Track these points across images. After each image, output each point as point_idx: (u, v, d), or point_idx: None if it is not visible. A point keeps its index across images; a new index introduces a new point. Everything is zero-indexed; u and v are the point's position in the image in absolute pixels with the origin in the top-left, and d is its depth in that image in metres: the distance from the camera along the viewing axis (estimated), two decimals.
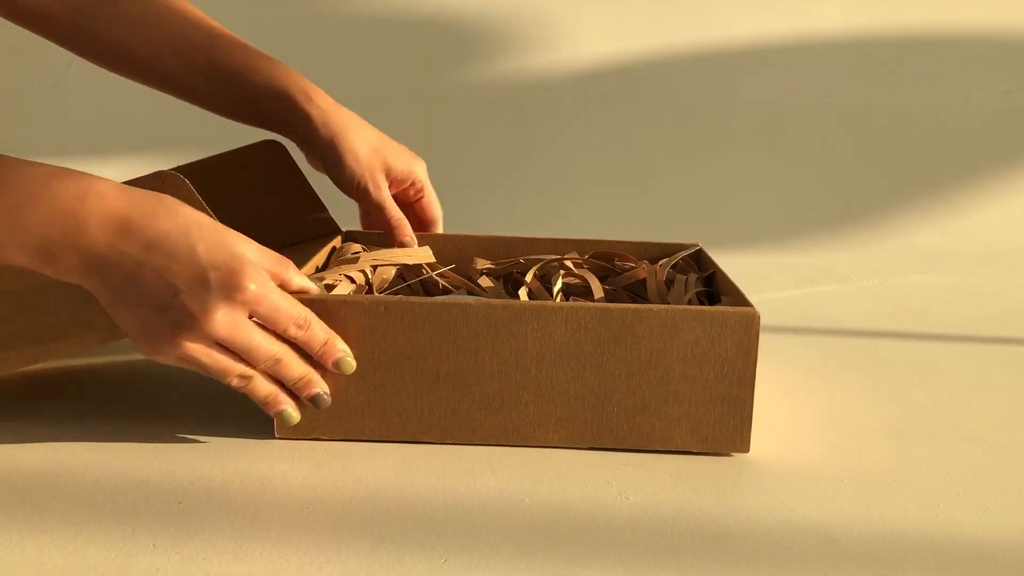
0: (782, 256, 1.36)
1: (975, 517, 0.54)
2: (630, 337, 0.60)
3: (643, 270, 0.76)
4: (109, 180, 0.54)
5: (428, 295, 0.78)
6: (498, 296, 0.77)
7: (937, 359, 0.87)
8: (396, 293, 0.77)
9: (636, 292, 0.76)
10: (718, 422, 0.61)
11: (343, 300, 0.60)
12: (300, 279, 0.59)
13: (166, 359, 0.54)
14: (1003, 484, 0.59)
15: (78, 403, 0.68)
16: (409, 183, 0.80)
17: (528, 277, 0.76)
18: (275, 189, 0.83)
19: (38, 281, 0.60)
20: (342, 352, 0.59)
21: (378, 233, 0.84)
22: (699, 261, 0.82)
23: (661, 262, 0.79)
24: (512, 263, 0.81)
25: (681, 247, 0.83)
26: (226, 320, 0.53)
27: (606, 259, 0.81)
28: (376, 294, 0.74)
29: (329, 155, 0.74)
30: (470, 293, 0.78)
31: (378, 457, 0.60)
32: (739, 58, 1.65)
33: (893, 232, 1.49)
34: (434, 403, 0.61)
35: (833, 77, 1.65)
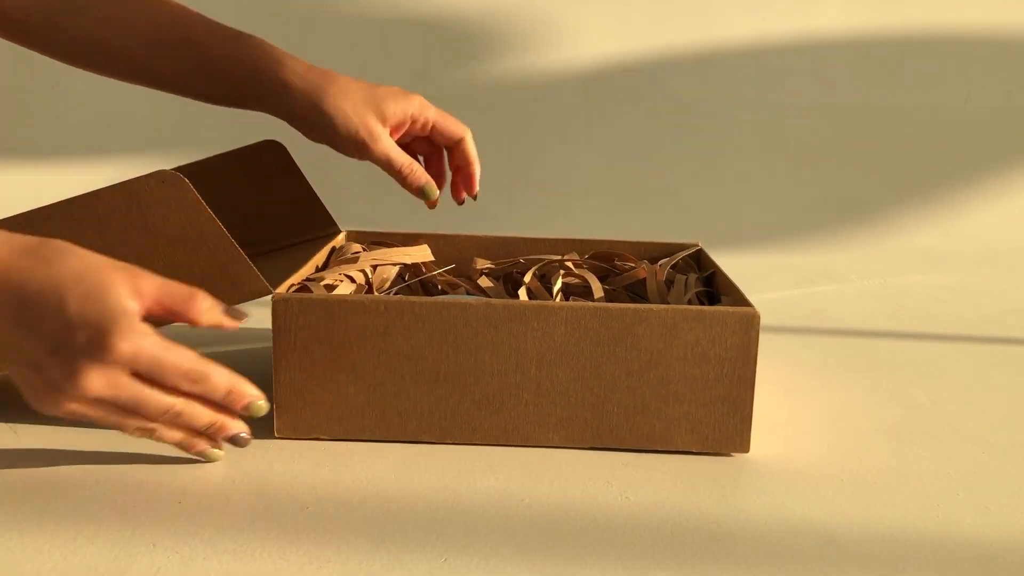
0: (782, 256, 1.36)
1: (975, 517, 0.54)
2: (630, 337, 0.60)
3: (643, 270, 0.76)
4: None
5: (428, 295, 0.78)
6: (498, 296, 0.77)
7: (937, 359, 0.87)
8: (396, 293, 0.77)
9: (636, 292, 0.76)
10: (718, 422, 0.61)
11: (343, 300, 0.60)
12: (211, 315, 0.53)
13: (54, 413, 0.52)
14: (1003, 484, 0.59)
15: None
16: (410, 121, 0.73)
17: (528, 277, 0.76)
18: (275, 189, 0.83)
19: None
20: (250, 397, 0.54)
21: (378, 233, 0.84)
22: (699, 261, 0.82)
23: (661, 262, 0.79)
24: (512, 263, 0.81)
25: (681, 247, 0.83)
26: (100, 380, 0.49)
27: (606, 259, 0.81)
28: (376, 294, 0.74)
29: (316, 120, 0.70)
30: (469, 293, 0.78)
31: (378, 457, 0.60)
32: (739, 58, 1.65)
33: (893, 232, 1.49)
34: (434, 403, 0.61)
35: (833, 77, 1.65)
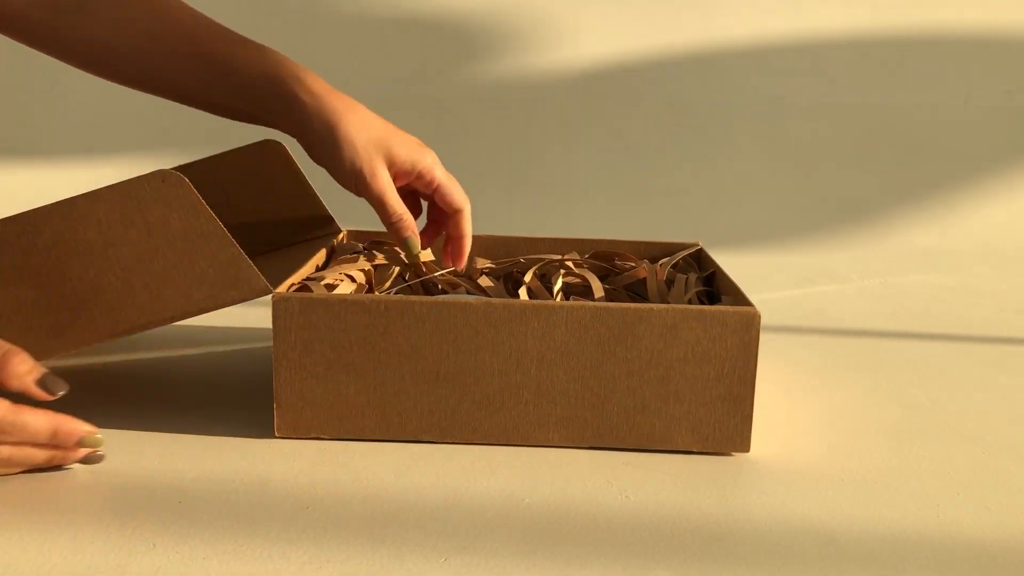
0: (782, 256, 1.36)
1: (975, 517, 0.54)
2: (630, 337, 0.60)
3: (643, 270, 0.76)
4: None
5: (428, 295, 0.78)
6: (498, 296, 0.77)
7: (937, 359, 0.87)
8: (396, 293, 0.77)
9: (636, 292, 0.76)
10: (718, 422, 0.61)
11: (343, 299, 0.60)
12: (23, 381, 0.54)
13: None
14: (1003, 484, 0.59)
15: (77, 402, 0.68)
16: (416, 175, 0.71)
17: (528, 277, 0.76)
18: (275, 188, 0.83)
19: (38, 280, 0.60)
20: (80, 433, 0.55)
21: (378, 232, 0.84)
22: (699, 261, 0.82)
23: (661, 262, 0.79)
24: (512, 263, 0.81)
25: (681, 246, 0.83)
26: None
27: (606, 259, 0.81)
28: (376, 293, 0.74)
29: (325, 143, 0.68)
30: (470, 293, 0.78)
31: (378, 456, 0.60)
32: (739, 58, 1.65)
33: (893, 232, 1.49)
34: (434, 402, 0.61)
35: (833, 77, 1.65)
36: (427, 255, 0.80)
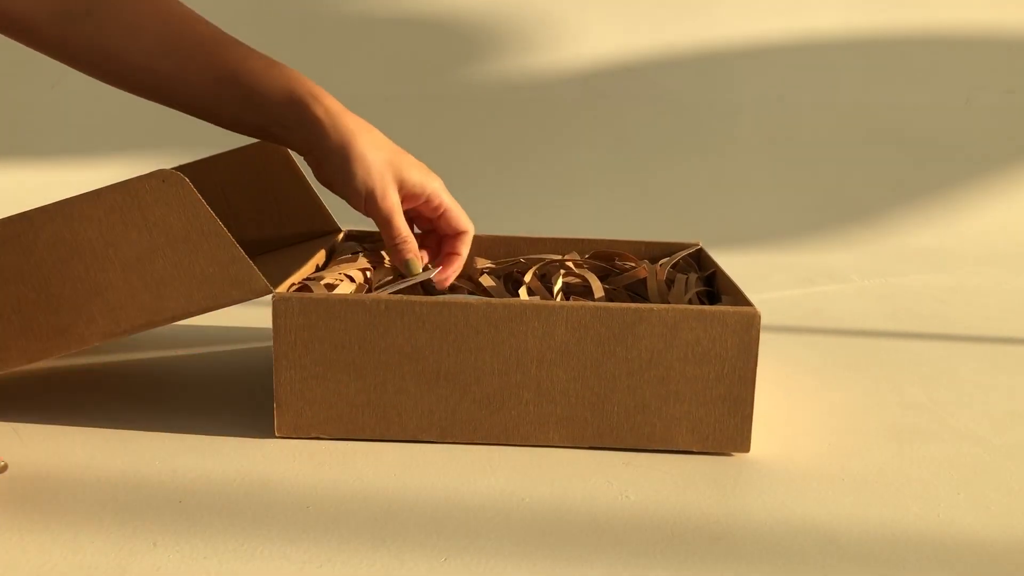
0: (783, 256, 1.36)
1: (976, 517, 0.54)
2: (630, 336, 0.60)
3: (643, 269, 0.76)
4: None
5: (428, 294, 0.78)
6: (499, 295, 0.77)
7: (937, 359, 0.87)
8: (397, 292, 0.77)
9: (636, 292, 0.76)
10: (718, 422, 0.61)
11: (344, 299, 0.60)
12: None
13: None
14: (1004, 484, 0.59)
15: (78, 402, 0.68)
16: (424, 199, 0.72)
17: (528, 276, 0.76)
18: (275, 188, 0.83)
19: (38, 280, 0.60)
20: None
21: (379, 232, 0.84)
22: (699, 261, 0.82)
23: (661, 262, 0.79)
24: (512, 262, 0.81)
25: (681, 246, 0.83)
26: None
27: (606, 259, 0.81)
28: (376, 293, 0.74)
29: (338, 160, 0.68)
30: (470, 292, 0.78)
31: (379, 456, 0.60)
32: (739, 58, 1.65)
33: (893, 232, 1.49)
34: (434, 402, 0.61)
35: (833, 77, 1.65)
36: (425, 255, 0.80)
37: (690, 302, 0.70)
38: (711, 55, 1.65)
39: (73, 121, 1.60)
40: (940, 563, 0.49)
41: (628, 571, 0.47)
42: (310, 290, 0.66)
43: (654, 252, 0.82)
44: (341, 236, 0.84)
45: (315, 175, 0.72)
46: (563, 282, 0.75)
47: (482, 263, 0.81)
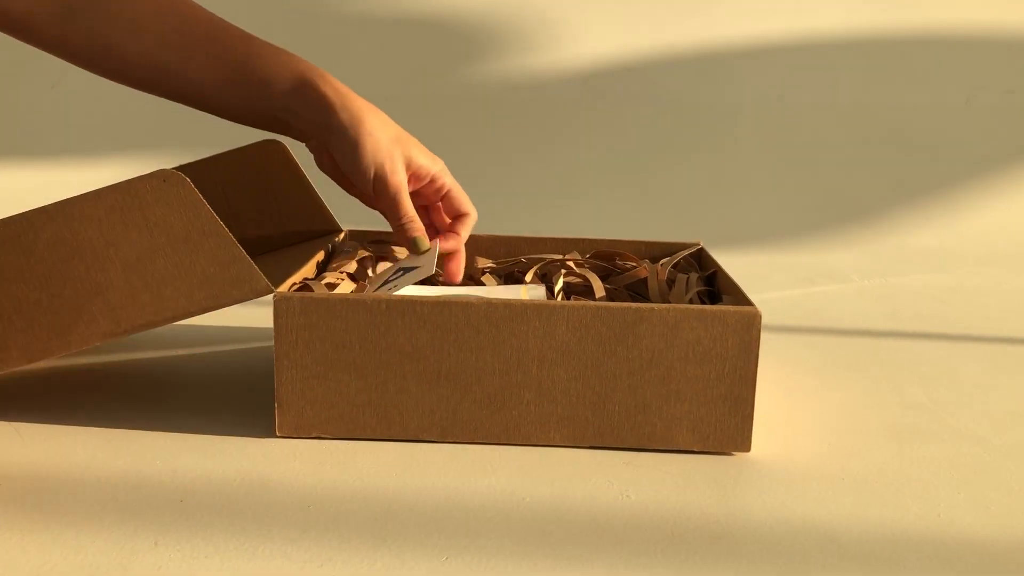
0: (783, 256, 1.36)
1: (976, 516, 0.54)
2: (631, 336, 0.60)
3: (644, 269, 0.76)
4: None
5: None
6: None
7: (937, 359, 0.87)
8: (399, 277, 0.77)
9: (637, 291, 0.76)
10: (719, 421, 0.61)
11: (345, 298, 0.60)
12: None
13: None
14: (1004, 484, 0.59)
15: (79, 401, 0.68)
16: (428, 179, 0.72)
17: (529, 276, 0.76)
18: (276, 188, 0.83)
19: (39, 280, 0.60)
20: None
21: (379, 232, 0.84)
22: (700, 260, 0.82)
23: (662, 261, 0.79)
24: (513, 262, 0.81)
25: (682, 246, 0.83)
26: None
27: (607, 258, 0.81)
28: (378, 292, 0.74)
29: (347, 139, 0.67)
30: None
31: (379, 456, 0.60)
32: (740, 58, 1.65)
33: (894, 232, 1.49)
34: (435, 402, 0.61)
35: (834, 77, 1.65)
36: None
37: (691, 302, 0.70)
38: (711, 55, 1.65)
39: (73, 121, 1.60)
40: (940, 563, 0.49)
41: (629, 570, 0.47)
42: (311, 290, 0.66)
43: (655, 252, 0.82)
44: (342, 236, 0.84)
45: (318, 162, 0.72)
46: (564, 282, 0.75)
47: (483, 263, 0.81)
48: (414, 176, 0.71)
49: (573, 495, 0.55)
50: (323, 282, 0.68)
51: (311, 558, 0.47)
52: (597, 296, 0.72)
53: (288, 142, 0.82)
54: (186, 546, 0.48)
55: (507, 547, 0.49)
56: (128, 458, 0.59)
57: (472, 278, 0.81)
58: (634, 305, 0.60)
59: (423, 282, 0.80)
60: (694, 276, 0.75)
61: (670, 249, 0.82)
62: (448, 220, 0.76)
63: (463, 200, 0.74)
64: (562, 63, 1.64)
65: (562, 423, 0.61)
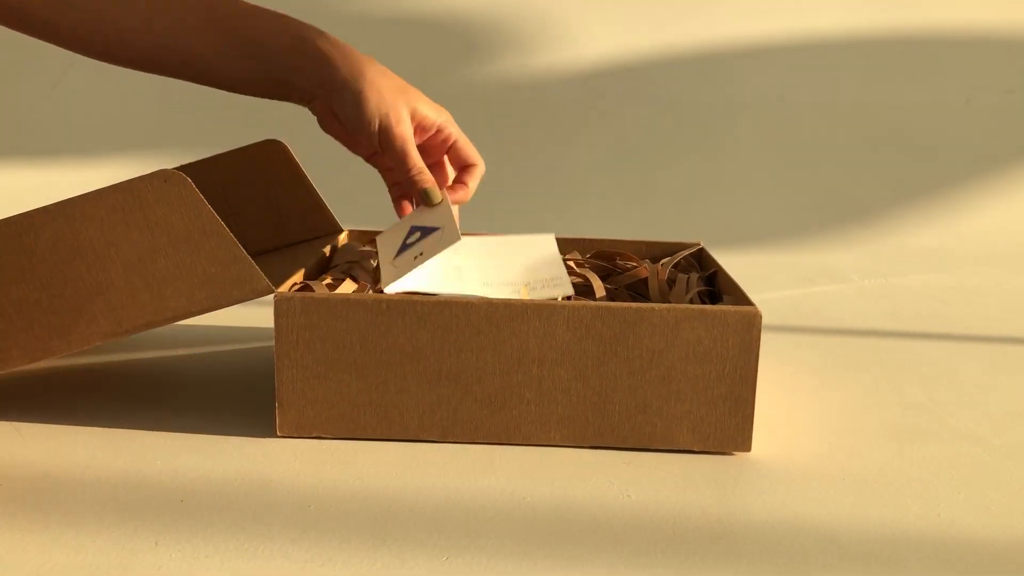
0: (783, 256, 1.36)
1: (976, 516, 0.54)
2: (632, 336, 0.60)
3: (645, 269, 0.76)
4: None
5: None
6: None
7: (938, 359, 0.87)
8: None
9: (638, 291, 0.76)
10: (719, 421, 0.61)
11: (345, 298, 0.60)
12: None
13: None
14: (1004, 483, 0.59)
15: (80, 401, 0.68)
16: (435, 130, 0.70)
17: None
18: (277, 188, 0.83)
19: (40, 280, 0.60)
20: None
21: (380, 232, 0.84)
22: (701, 260, 0.82)
23: (663, 261, 0.79)
24: None
25: (683, 246, 0.83)
26: None
27: (607, 258, 0.81)
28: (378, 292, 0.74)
29: (349, 92, 0.66)
30: None
31: (380, 456, 0.60)
32: (740, 58, 1.65)
33: (894, 232, 1.49)
34: (436, 402, 0.61)
35: (834, 77, 1.65)
36: None
37: (691, 302, 0.70)
38: (711, 55, 1.65)
39: (74, 121, 1.60)
40: (940, 562, 0.49)
41: (629, 570, 0.47)
42: (312, 289, 0.66)
43: (655, 252, 0.82)
44: (343, 236, 0.84)
45: (322, 124, 0.70)
46: None
47: None
48: (419, 127, 0.70)
49: (574, 495, 0.55)
50: (324, 282, 0.68)
51: (312, 558, 0.48)
52: (597, 296, 0.72)
53: (290, 142, 0.82)
54: (187, 546, 0.48)
55: (507, 547, 0.49)
56: (129, 458, 0.59)
57: None
58: (634, 305, 0.60)
59: None
60: (694, 276, 0.75)
61: (670, 249, 0.83)
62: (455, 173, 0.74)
63: (470, 150, 0.72)
64: (562, 63, 1.64)
65: (563, 423, 0.61)
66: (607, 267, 0.80)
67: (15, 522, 0.50)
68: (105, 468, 0.57)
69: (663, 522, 0.53)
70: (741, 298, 0.65)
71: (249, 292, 0.61)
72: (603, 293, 0.72)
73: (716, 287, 0.74)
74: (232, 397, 0.70)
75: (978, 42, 1.64)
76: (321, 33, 0.68)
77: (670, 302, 0.70)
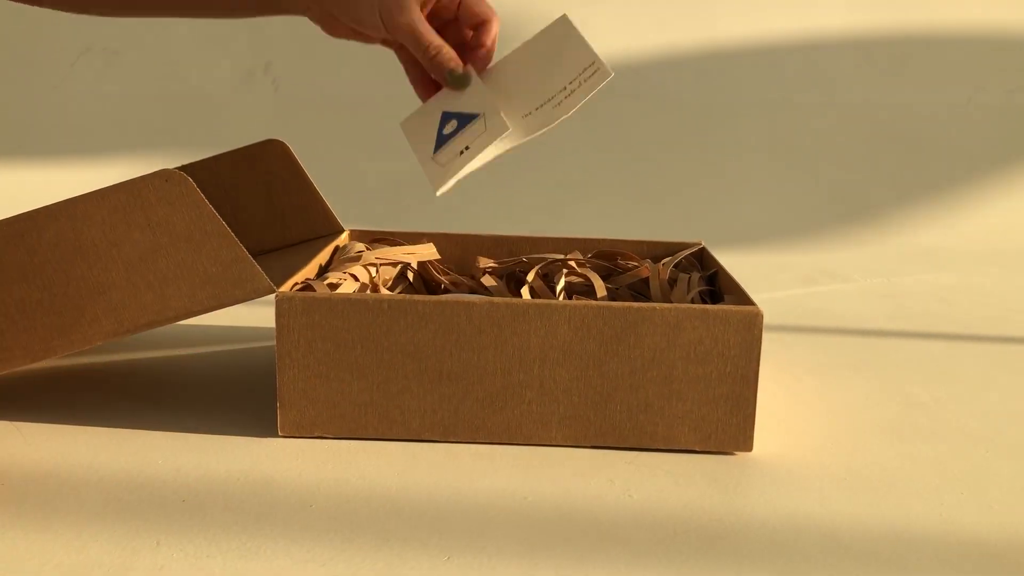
0: (785, 255, 1.36)
1: (978, 515, 0.54)
2: (633, 336, 0.60)
3: (646, 269, 0.76)
4: None
5: (431, 294, 0.78)
6: (501, 295, 0.77)
7: (940, 358, 0.87)
8: (400, 292, 0.77)
9: (639, 291, 0.76)
10: (721, 421, 0.61)
11: (347, 298, 0.60)
12: None
13: None
14: (1006, 483, 0.59)
15: (82, 401, 0.69)
16: None
17: (531, 276, 0.76)
18: (278, 188, 0.83)
19: (42, 280, 0.60)
20: None
21: (381, 232, 0.84)
22: (702, 260, 0.82)
23: (664, 261, 0.79)
24: (515, 262, 0.81)
25: (684, 246, 0.83)
26: None
27: (609, 258, 0.81)
28: (380, 292, 0.74)
29: None
30: (473, 292, 0.79)
31: (381, 455, 0.60)
32: (742, 58, 1.65)
33: (896, 231, 1.49)
34: (437, 401, 0.61)
35: (836, 77, 1.65)
36: (432, 253, 0.80)
37: (692, 301, 0.70)
38: (714, 55, 1.65)
39: (76, 121, 1.60)
40: (942, 561, 0.49)
41: (630, 569, 0.47)
42: (313, 289, 0.66)
43: (656, 251, 0.82)
44: (344, 236, 0.84)
45: (325, 29, 0.66)
46: (566, 281, 0.75)
47: (485, 263, 0.81)
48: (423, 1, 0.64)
49: (575, 494, 0.55)
50: (325, 282, 0.68)
51: (313, 557, 0.48)
52: (599, 296, 0.72)
53: (290, 142, 0.82)
54: (188, 546, 0.48)
55: (509, 546, 0.49)
56: (130, 458, 0.59)
57: (473, 277, 0.81)
58: (636, 305, 0.60)
59: (427, 288, 0.80)
60: (696, 276, 0.75)
61: (672, 249, 0.82)
62: (469, 33, 0.68)
63: (481, 5, 0.66)
64: None
65: (564, 422, 0.61)
66: (608, 267, 0.80)
67: (17, 522, 0.50)
68: (107, 468, 0.57)
69: (664, 521, 0.53)
70: (742, 298, 0.65)
71: (250, 292, 0.61)
72: (604, 293, 0.72)
73: (717, 287, 0.74)
74: (234, 397, 0.70)
75: (980, 42, 1.64)
76: None
77: (671, 302, 0.70)
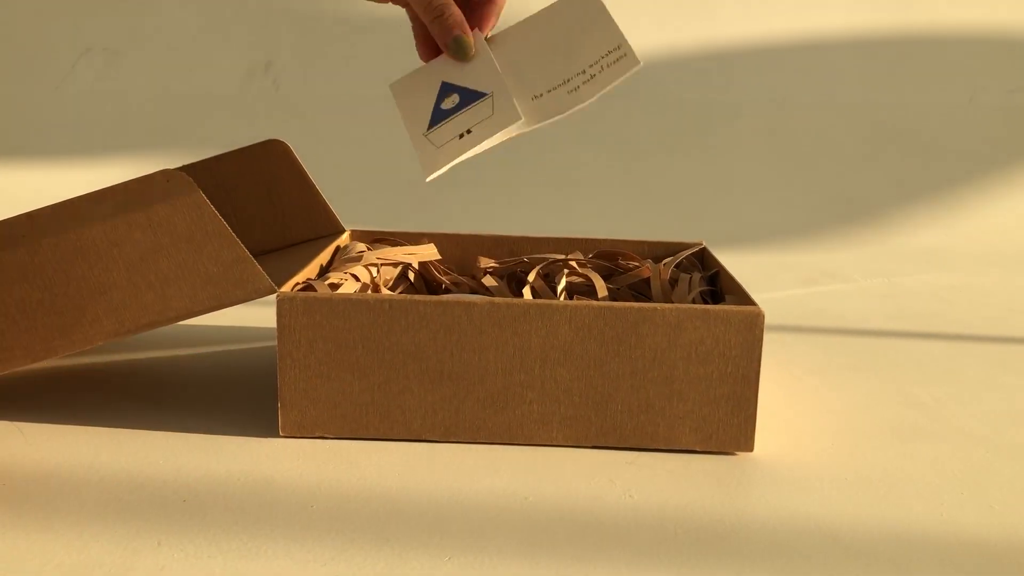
0: (786, 255, 1.36)
1: (979, 516, 0.54)
2: (634, 336, 0.60)
3: (647, 269, 0.76)
4: None
5: (432, 294, 0.78)
6: (502, 295, 0.77)
7: (941, 359, 0.87)
8: (401, 292, 0.77)
9: (640, 291, 0.76)
10: (722, 421, 0.61)
11: (348, 298, 0.60)
12: None
13: None
14: (1007, 483, 0.59)
15: (82, 401, 0.69)
16: None
17: (532, 276, 0.76)
18: (279, 188, 0.83)
19: (43, 280, 0.60)
20: None
21: (382, 232, 0.84)
22: (703, 260, 0.82)
23: (665, 261, 0.79)
24: (516, 262, 0.81)
25: (685, 246, 0.83)
26: None
27: (610, 258, 0.81)
28: (382, 292, 0.74)
29: None
30: (474, 292, 0.78)
31: (382, 455, 0.60)
32: (743, 57, 1.65)
33: (897, 232, 1.49)
34: (438, 401, 0.61)
35: (837, 76, 1.65)
36: (433, 254, 0.80)
37: (693, 301, 0.70)
38: (715, 54, 1.65)
39: (76, 121, 1.60)
40: (943, 562, 0.49)
41: (631, 570, 0.47)
42: (314, 289, 0.66)
43: (657, 252, 0.82)
44: (345, 236, 0.84)
45: None
46: (567, 282, 0.75)
47: (485, 263, 0.81)
48: None
49: (576, 495, 0.55)
50: (326, 282, 0.68)
51: (314, 557, 0.48)
52: (600, 296, 0.72)
53: (291, 142, 0.82)
54: (189, 546, 0.48)
55: (510, 547, 0.49)
56: (131, 458, 0.59)
57: (474, 277, 0.81)
58: (637, 305, 0.60)
59: (428, 288, 0.80)
60: (697, 276, 0.75)
61: (673, 249, 0.82)
62: None
63: None
64: None
65: (565, 423, 0.61)
66: (609, 267, 0.80)
67: (17, 522, 0.50)
68: (108, 468, 0.57)
69: (665, 522, 0.53)
70: (743, 298, 0.65)
71: (251, 292, 0.61)
72: (605, 293, 0.72)
73: (718, 287, 0.74)
74: (234, 397, 0.70)
75: (981, 42, 1.64)
76: None
77: (672, 302, 0.70)
